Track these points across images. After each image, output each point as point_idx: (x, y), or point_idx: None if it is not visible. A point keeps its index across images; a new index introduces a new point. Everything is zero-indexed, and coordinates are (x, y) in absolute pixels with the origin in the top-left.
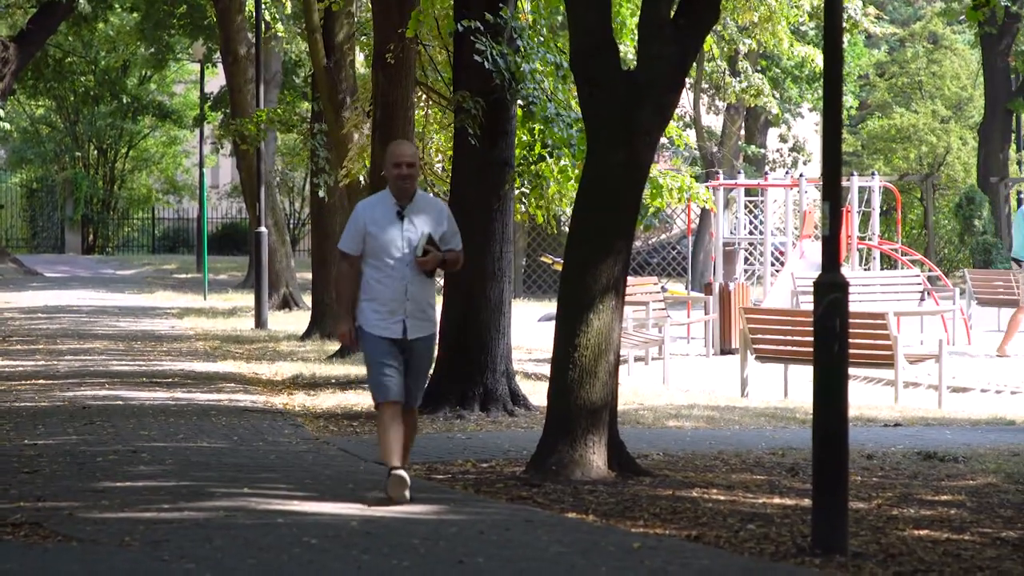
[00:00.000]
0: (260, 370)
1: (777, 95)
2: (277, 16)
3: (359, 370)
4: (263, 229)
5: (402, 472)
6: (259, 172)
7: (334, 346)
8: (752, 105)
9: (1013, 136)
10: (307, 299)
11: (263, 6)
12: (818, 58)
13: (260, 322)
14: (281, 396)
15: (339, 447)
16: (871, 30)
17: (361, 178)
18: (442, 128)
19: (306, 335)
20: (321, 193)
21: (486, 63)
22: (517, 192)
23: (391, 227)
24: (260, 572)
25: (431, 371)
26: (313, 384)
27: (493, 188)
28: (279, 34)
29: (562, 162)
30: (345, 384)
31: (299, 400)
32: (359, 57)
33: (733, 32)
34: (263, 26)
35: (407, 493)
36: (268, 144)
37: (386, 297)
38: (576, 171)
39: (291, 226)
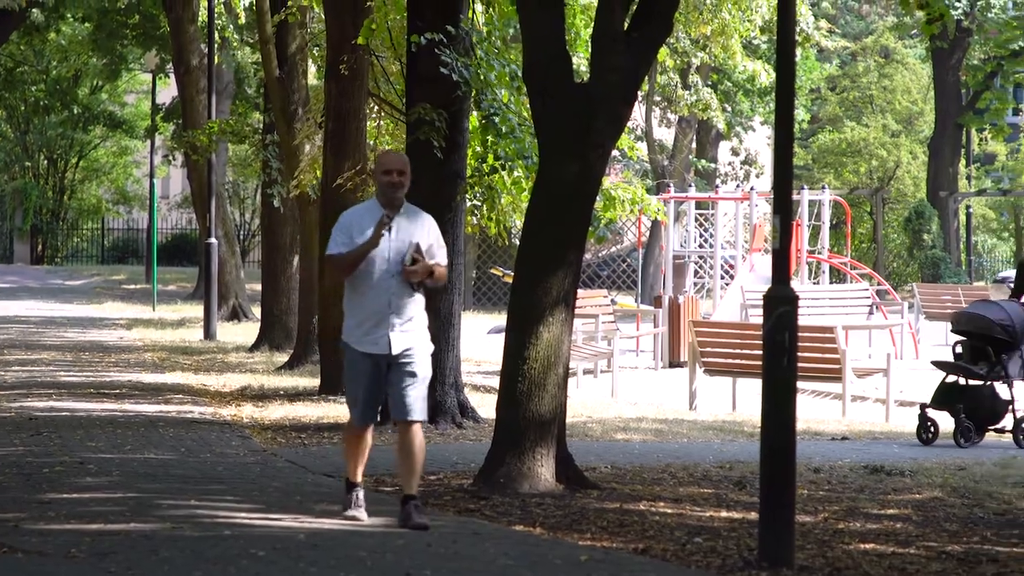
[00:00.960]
0: (208, 381)
1: (728, 108)
2: (230, 26)
3: (308, 382)
4: (213, 240)
5: (358, 492)
6: (210, 183)
7: (283, 357)
8: (703, 119)
9: (963, 151)
10: (256, 310)
11: (216, 17)
12: (762, 75)
13: (209, 333)
14: (229, 407)
15: (287, 459)
16: (823, 44)
17: (310, 190)
18: (394, 139)
19: (255, 346)
20: (276, 203)
21: (453, 75)
22: (469, 204)
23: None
24: None
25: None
26: (261, 396)
27: (445, 200)
28: (231, 45)
29: (516, 173)
30: (294, 396)
31: (247, 412)
32: (311, 68)
33: (687, 45)
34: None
35: (362, 514)
36: (219, 155)
37: (370, 310)
38: (529, 183)
39: (241, 237)
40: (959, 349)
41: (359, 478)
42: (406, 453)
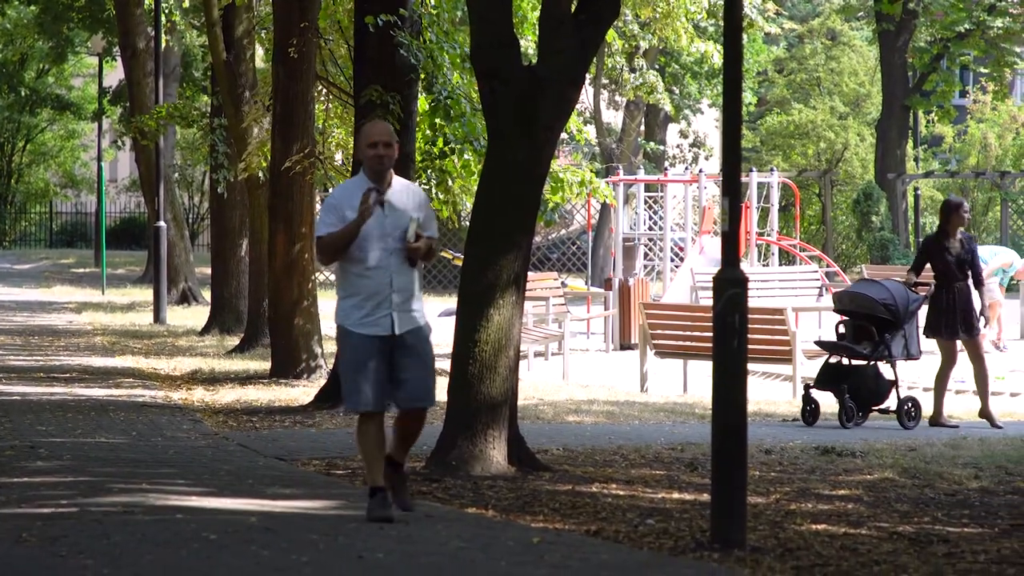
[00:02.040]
0: (159, 365)
1: (676, 91)
2: (175, 10)
3: (258, 365)
4: (162, 224)
5: (386, 495)
6: (158, 167)
7: (233, 341)
8: (648, 102)
9: (910, 132)
10: (206, 294)
11: (163, 0)
12: (714, 56)
13: (159, 317)
14: (180, 391)
15: (238, 442)
16: (767, 29)
17: (260, 173)
18: (343, 123)
19: (205, 330)
20: (220, 188)
21: (410, 57)
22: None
23: (372, 214)
24: (158, 567)
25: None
26: (212, 379)
27: None
28: (178, 28)
29: (465, 156)
30: (244, 379)
31: (198, 395)
32: (259, 52)
33: (635, 29)
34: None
35: (391, 514)
36: (167, 138)
37: (370, 291)
38: (479, 166)
39: (190, 221)
40: (842, 329)
41: (383, 480)
42: (409, 434)
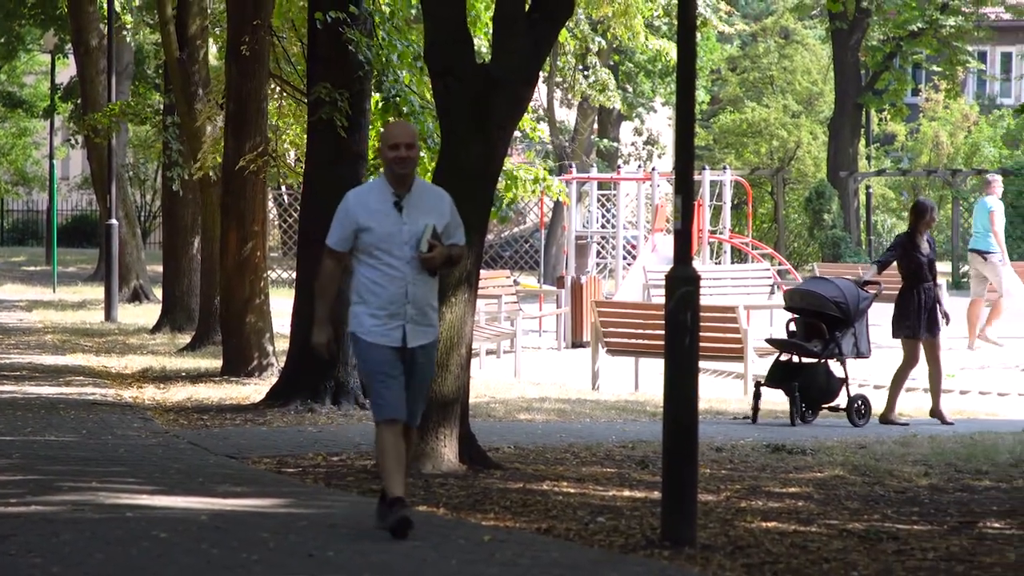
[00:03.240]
0: (109, 363)
1: (629, 89)
2: (128, 8)
3: (210, 363)
4: (114, 221)
5: (404, 507)
6: (110, 164)
7: (185, 339)
8: (596, 103)
9: (862, 131)
10: (158, 292)
11: None
12: (672, 52)
13: (110, 315)
14: (131, 389)
15: (189, 441)
16: (721, 28)
17: (212, 171)
18: (296, 121)
19: (156, 328)
20: (175, 186)
21: (360, 54)
22: None
23: (388, 219)
24: (108, 566)
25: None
26: (163, 377)
27: (347, 180)
28: (129, 25)
29: (419, 154)
30: (196, 377)
31: (149, 393)
32: (212, 49)
33: (586, 30)
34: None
35: (409, 515)
36: (120, 136)
37: (384, 300)
38: (432, 164)
39: (142, 219)
40: (793, 327)
41: (399, 490)
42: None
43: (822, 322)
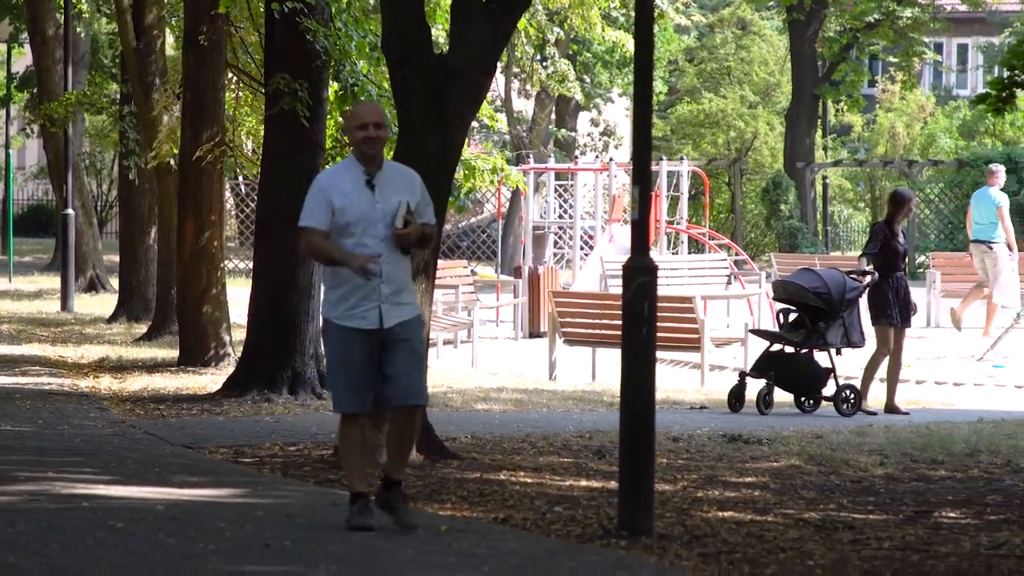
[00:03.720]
0: (66, 353)
1: (587, 80)
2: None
3: (166, 353)
4: (70, 211)
5: (367, 501)
6: (67, 154)
7: (141, 329)
8: (556, 94)
9: (819, 121)
10: (114, 282)
11: None
12: (629, 43)
13: (66, 305)
14: (87, 379)
15: (145, 431)
16: (676, 20)
17: (170, 160)
18: (253, 111)
19: (113, 318)
20: (131, 176)
21: (317, 43)
22: None
23: (361, 198)
24: (65, 556)
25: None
26: (120, 367)
27: (304, 171)
28: (85, 15)
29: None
30: (152, 367)
31: (105, 383)
32: (169, 39)
33: (542, 21)
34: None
35: (373, 523)
36: (76, 126)
37: (357, 281)
38: (390, 154)
39: (98, 208)
40: (782, 318)
41: (361, 485)
42: (403, 440)
43: (805, 313)
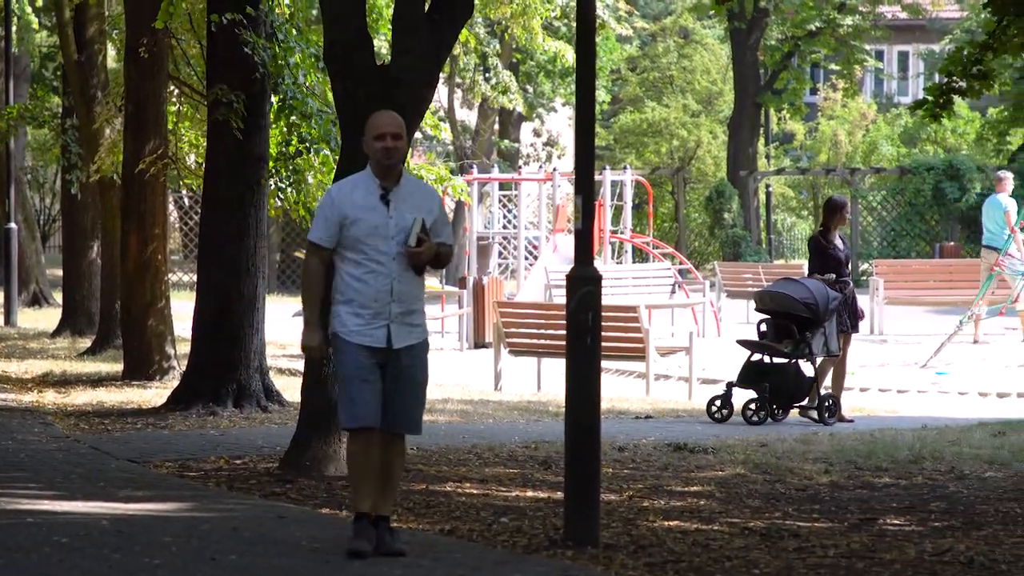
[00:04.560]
0: (9, 368)
1: (530, 90)
2: (28, 9)
3: (111, 367)
4: (13, 225)
5: (367, 523)
6: (8, 168)
7: (85, 343)
8: (497, 105)
9: (762, 130)
10: (58, 296)
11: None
12: (569, 54)
13: (9, 319)
14: (31, 394)
15: (90, 445)
16: (619, 30)
17: (114, 174)
18: (195, 123)
19: (57, 332)
20: (74, 189)
21: (255, 56)
22: (273, 187)
23: (375, 213)
24: (9, 572)
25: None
26: (64, 382)
27: (247, 183)
28: (28, 28)
29: (324, 152)
30: (97, 381)
31: (49, 398)
32: (111, 51)
33: (481, 33)
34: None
35: (368, 548)
36: (18, 140)
37: (368, 297)
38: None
39: (41, 222)
40: (763, 328)
41: (366, 505)
42: (389, 469)
43: (792, 323)
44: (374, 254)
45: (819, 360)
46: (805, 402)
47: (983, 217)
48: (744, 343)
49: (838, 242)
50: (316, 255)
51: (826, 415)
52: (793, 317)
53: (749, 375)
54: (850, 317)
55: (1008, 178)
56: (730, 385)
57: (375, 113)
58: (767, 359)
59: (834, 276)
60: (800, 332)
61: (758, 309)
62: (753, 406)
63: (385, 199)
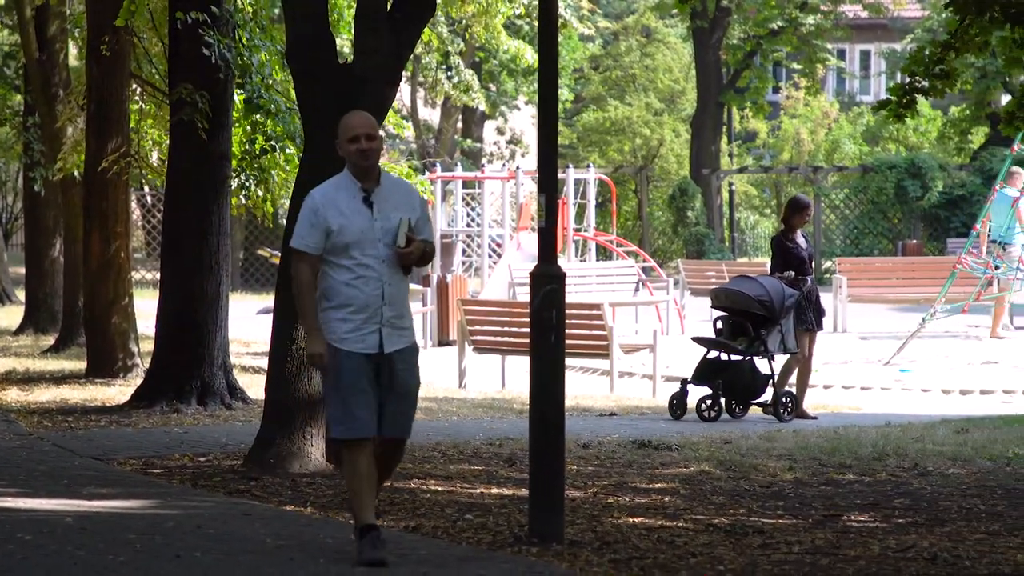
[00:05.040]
0: None
1: (493, 88)
2: None
3: (74, 365)
4: None
5: (378, 532)
6: None
7: (48, 341)
8: (460, 104)
9: (724, 128)
10: (20, 294)
11: None
12: (528, 54)
13: None
14: None
15: (54, 443)
16: (580, 30)
17: (77, 173)
18: (157, 121)
19: (20, 330)
20: (36, 188)
21: (213, 56)
22: (236, 185)
23: (359, 216)
24: None
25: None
26: (27, 379)
27: (210, 181)
28: None
29: (288, 151)
30: (60, 379)
31: (12, 395)
32: (72, 50)
33: (444, 33)
34: None
35: (385, 557)
36: None
37: (360, 302)
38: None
39: (3, 221)
40: (719, 325)
41: (371, 517)
42: (385, 474)
43: (748, 320)
44: (363, 258)
45: (777, 358)
46: (767, 399)
47: (991, 211)
48: (700, 340)
49: (801, 240)
50: (305, 261)
51: (783, 412)
52: (748, 314)
53: (704, 372)
54: (814, 315)
55: (1021, 173)
56: (685, 382)
57: (347, 115)
58: (723, 356)
59: (793, 274)
60: (755, 329)
61: (714, 306)
62: (707, 403)
63: (368, 201)
